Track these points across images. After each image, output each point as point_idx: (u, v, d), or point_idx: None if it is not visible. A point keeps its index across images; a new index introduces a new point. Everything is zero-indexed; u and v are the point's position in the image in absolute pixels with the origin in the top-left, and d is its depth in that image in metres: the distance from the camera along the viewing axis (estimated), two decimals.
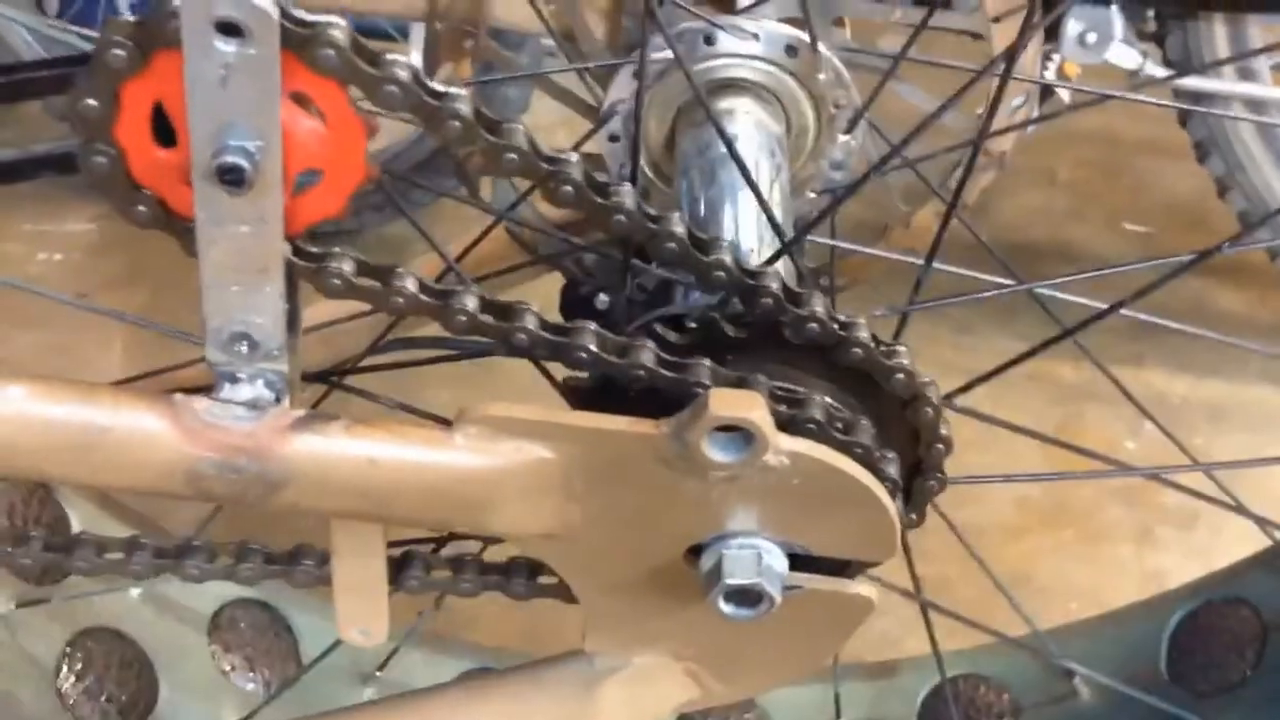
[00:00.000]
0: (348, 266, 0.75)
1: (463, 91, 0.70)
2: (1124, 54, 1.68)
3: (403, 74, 0.69)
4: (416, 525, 0.80)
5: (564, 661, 0.89)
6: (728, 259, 0.79)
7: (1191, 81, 1.76)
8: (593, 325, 0.79)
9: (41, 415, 0.76)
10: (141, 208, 0.73)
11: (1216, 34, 1.77)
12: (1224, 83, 1.76)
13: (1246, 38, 1.77)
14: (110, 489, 0.81)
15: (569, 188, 0.76)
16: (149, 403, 0.76)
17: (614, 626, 0.86)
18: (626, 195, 0.77)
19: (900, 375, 0.82)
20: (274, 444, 0.76)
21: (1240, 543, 1.14)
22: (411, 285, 0.76)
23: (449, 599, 0.98)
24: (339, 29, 0.68)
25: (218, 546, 0.91)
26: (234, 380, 0.76)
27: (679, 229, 0.78)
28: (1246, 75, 1.76)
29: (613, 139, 1.12)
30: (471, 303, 0.77)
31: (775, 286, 0.79)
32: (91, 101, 0.69)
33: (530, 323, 0.78)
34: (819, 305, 0.79)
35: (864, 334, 0.80)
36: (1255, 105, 1.78)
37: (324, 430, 0.77)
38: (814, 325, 0.80)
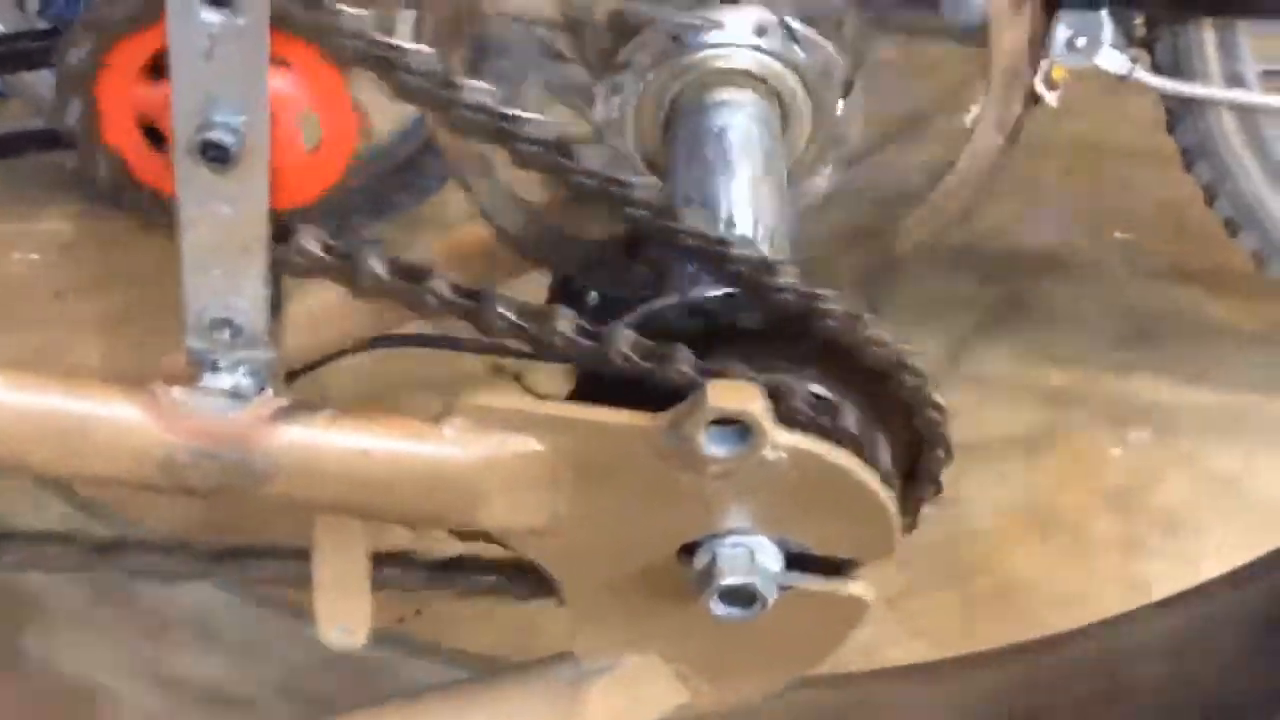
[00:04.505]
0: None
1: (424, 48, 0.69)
2: (1113, 59, 1.67)
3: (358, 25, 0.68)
4: (403, 520, 0.78)
5: (551, 664, 0.86)
6: (702, 228, 0.77)
7: (1179, 86, 1.75)
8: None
9: (19, 404, 0.75)
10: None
11: (1206, 40, 1.76)
12: (1212, 88, 1.75)
13: (1236, 43, 1.76)
14: (88, 479, 0.79)
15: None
16: (125, 391, 0.75)
17: (603, 627, 0.84)
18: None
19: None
20: (256, 434, 0.74)
21: (1232, 551, 1.12)
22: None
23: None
24: None
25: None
26: (214, 368, 0.74)
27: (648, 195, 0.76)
28: (1234, 80, 1.75)
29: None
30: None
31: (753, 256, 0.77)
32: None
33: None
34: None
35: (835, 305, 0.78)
36: (1243, 111, 1.77)
37: (308, 421, 0.75)
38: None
